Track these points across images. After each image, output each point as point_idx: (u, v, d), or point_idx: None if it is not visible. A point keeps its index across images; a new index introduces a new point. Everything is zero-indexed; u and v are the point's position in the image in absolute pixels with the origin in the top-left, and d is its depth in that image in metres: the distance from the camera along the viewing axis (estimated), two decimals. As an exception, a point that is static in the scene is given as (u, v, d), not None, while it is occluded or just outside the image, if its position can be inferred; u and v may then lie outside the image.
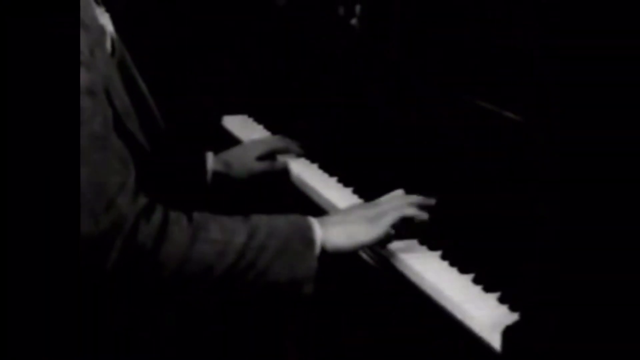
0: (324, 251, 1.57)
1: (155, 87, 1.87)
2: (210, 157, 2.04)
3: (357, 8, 2.23)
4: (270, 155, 2.13)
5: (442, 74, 1.91)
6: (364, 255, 1.76)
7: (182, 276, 1.49)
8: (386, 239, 1.64)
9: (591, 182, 1.25)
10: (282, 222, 1.57)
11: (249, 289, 1.53)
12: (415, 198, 1.68)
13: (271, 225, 1.56)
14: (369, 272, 1.77)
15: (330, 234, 1.58)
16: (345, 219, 1.62)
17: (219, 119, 2.57)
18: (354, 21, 2.26)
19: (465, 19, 1.86)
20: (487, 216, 1.67)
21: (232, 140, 2.39)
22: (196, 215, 1.54)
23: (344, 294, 1.96)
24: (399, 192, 1.71)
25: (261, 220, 1.56)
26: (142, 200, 1.51)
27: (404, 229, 1.66)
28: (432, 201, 1.69)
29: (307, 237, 1.56)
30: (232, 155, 2.08)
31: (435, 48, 1.95)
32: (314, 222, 1.59)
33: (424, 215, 1.66)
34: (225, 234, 1.52)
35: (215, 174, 2.04)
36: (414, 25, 2.03)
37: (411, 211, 1.64)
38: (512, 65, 1.71)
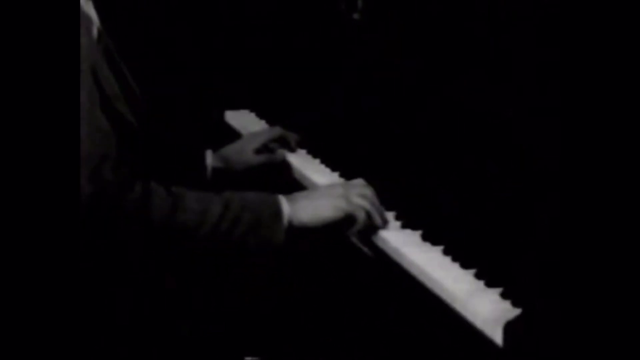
0: (292, 226, 1.66)
1: (155, 83, 1.88)
2: (209, 155, 2.05)
3: (359, 2, 2.23)
4: (268, 148, 2.14)
5: (444, 70, 1.91)
6: (365, 250, 1.76)
7: (164, 243, 1.58)
8: (350, 222, 1.71)
9: (592, 177, 1.25)
10: (252, 197, 1.67)
11: (224, 253, 1.65)
12: (377, 207, 1.74)
13: (243, 199, 1.65)
14: (369, 267, 1.78)
15: (297, 209, 1.67)
16: (311, 195, 1.73)
17: (221, 114, 2.57)
18: (355, 15, 2.26)
19: (467, 14, 1.86)
20: (489, 211, 1.67)
21: (234, 135, 2.39)
22: (173, 187, 1.63)
23: (344, 288, 1.97)
24: (361, 182, 1.77)
25: (234, 195, 1.65)
26: (125, 171, 1.58)
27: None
28: (385, 220, 1.74)
29: (276, 211, 1.66)
30: (230, 150, 2.09)
31: (436, 43, 1.95)
32: (282, 197, 1.68)
33: (378, 221, 1.72)
34: (202, 205, 1.61)
35: (215, 170, 2.05)
36: (415, 20, 2.03)
37: (374, 213, 1.71)
38: (513, 62, 1.71)
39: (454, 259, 1.61)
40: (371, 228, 1.75)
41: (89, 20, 1.68)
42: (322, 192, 1.74)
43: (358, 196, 1.71)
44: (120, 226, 1.55)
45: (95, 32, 1.71)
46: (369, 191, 1.74)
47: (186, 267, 1.71)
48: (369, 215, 1.71)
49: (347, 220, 1.72)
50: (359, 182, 1.77)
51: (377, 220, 1.72)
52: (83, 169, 1.48)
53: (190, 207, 1.60)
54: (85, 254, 1.50)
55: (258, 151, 2.12)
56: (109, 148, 1.58)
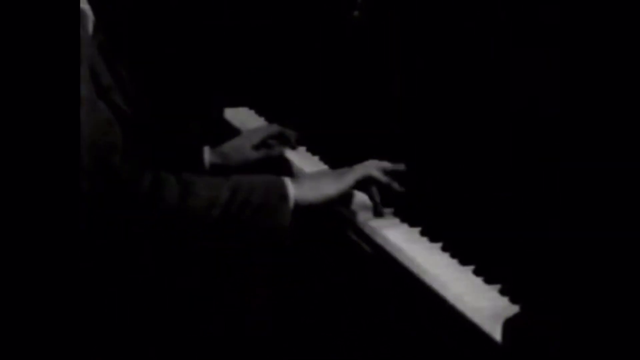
0: (298, 206, 1.72)
1: (155, 79, 1.88)
2: (207, 151, 2.06)
3: (358, 0, 2.23)
4: (267, 145, 2.14)
5: (443, 68, 1.91)
6: (364, 246, 1.76)
7: (174, 229, 1.62)
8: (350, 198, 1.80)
9: (590, 174, 1.25)
10: (260, 180, 1.73)
11: (233, 237, 1.68)
12: (385, 163, 1.79)
13: (251, 182, 1.71)
14: (368, 263, 1.77)
15: (302, 190, 1.73)
16: (315, 176, 1.80)
17: (221, 111, 2.57)
18: (355, 13, 2.25)
19: (467, 12, 1.86)
20: (487, 208, 1.67)
21: (233, 133, 2.38)
22: (183, 174, 1.68)
23: (344, 286, 1.97)
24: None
25: (242, 179, 1.72)
26: (134, 160, 1.61)
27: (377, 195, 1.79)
28: (401, 167, 1.80)
29: (282, 193, 1.71)
30: (229, 146, 2.10)
31: (435, 41, 1.94)
32: (287, 180, 1.75)
33: (386, 180, 1.77)
34: (211, 190, 1.66)
35: (214, 166, 2.06)
36: (415, 17, 2.03)
37: (376, 173, 1.76)
38: (512, 62, 1.71)
39: (453, 256, 1.61)
40: (369, 225, 1.76)
41: (83, 15, 1.70)
42: (326, 173, 1.82)
43: (358, 169, 1.77)
44: (132, 214, 1.58)
45: (90, 27, 1.73)
46: (373, 164, 1.79)
47: (188, 267, 1.72)
48: (377, 179, 1.77)
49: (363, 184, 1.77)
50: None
51: (383, 179, 1.77)
52: (92, 159, 1.52)
53: (199, 193, 1.64)
54: (94, 247, 1.53)
55: (256, 147, 2.12)
56: (116, 138, 1.61)
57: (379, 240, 1.73)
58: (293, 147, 2.19)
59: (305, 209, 1.73)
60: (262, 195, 1.69)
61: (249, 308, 1.85)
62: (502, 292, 1.48)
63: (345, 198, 1.79)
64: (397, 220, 1.77)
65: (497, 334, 1.39)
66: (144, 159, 1.72)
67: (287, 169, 2.13)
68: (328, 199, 1.75)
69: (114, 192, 1.56)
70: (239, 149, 2.11)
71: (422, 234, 1.70)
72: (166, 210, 1.61)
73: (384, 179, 1.77)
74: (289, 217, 1.71)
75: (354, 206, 1.83)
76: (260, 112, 2.51)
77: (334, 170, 1.83)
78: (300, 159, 2.14)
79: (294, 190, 1.72)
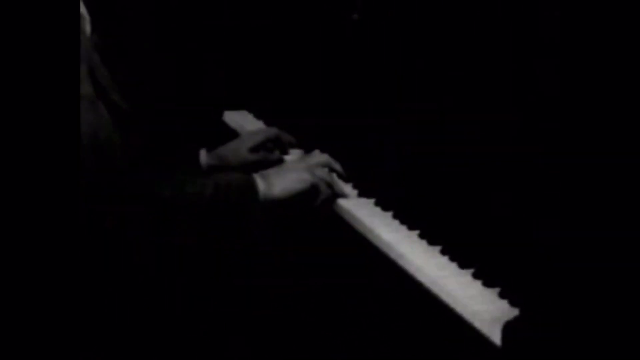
0: (267, 200, 1.81)
1: (153, 80, 1.89)
2: (203, 153, 2.06)
3: (359, 2, 2.23)
4: (265, 147, 2.14)
5: (442, 69, 1.90)
6: (363, 249, 1.76)
7: (167, 224, 1.69)
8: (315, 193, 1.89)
9: (591, 177, 1.24)
10: (234, 178, 1.82)
11: (214, 230, 1.76)
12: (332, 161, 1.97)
13: (227, 181, 1.80)
14: (366, 265, 1.77)
15: (271, 188, 1.81)
16: (279, 172, 1.87)
17: (220, 114, 2.57)
18: (355, 16, 2.25)
19: (467, 13, 1.85)
20: (486, 211, 1.66)
21: (232, 135, 2.38)
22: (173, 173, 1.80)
23: (340, 286, 1.97)
24: (317, 152, 1.97)
25: (220, 177, 1.81)
26: (132, 154, 1.69)
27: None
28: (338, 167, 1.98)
29: (254, 190, 1.80)
30: (226, 149, 2.11)
31: (435, 42, 1.94)
32: (257, 177, 1.83)
33: (338, 189, 1.92)
34: (198, 187, 1.75)
35: (211, 168, 2.06)
36: (414, 20, 2.03)
37: (334, 182, 1.90)
38: (511, 63, 1.71)
39: (452, 259, 1.61)
40: (367, 228, 1.75)
41: (81, 16, 1.72)
42: (288, 168, 1.89)
43: (318, 167, 1.89)
44: (130, 210, 1.63)
45: (88, 28, 1.75)
46: (325, 158, 1.94)
47: (188, 266, 1.73)
48: (330, 185, 1.88)
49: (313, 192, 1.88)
50: (315, 152, 1.96)
51: (338, 188, 1.90)
52: (93, 154, 1.56)
53: (188, 189, 1.73)
54: (94, 246, 1.59)
55: (254, 150, 2.12)
56: (115, 135, 1.66)
57: (377, 243, 1.73)
58: (288, 151, 2.18)
59: (277, 204, 1.82)
60: (238, 191, 1.78)
61: (248, 308, 1.85)
62: (502, 295, 1.47)
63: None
64: (396, 223, 1.77)
65: (496, 338, 1.38)
66: (141, 157, 1.74)
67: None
68: (294, 193, 1.83)
69: (113, 187, 1.60)
70: (236, 151, 2.11)
71: (421, 236, 1.70)
72: (159, 202, 1.67)
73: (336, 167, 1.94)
74: (260, 211, 1.79)
75: (348, 208, 1.82)
76: (259, 115, 2.51)
77: (297, 161, 1.94)
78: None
79: (263, 187, 1.80)
